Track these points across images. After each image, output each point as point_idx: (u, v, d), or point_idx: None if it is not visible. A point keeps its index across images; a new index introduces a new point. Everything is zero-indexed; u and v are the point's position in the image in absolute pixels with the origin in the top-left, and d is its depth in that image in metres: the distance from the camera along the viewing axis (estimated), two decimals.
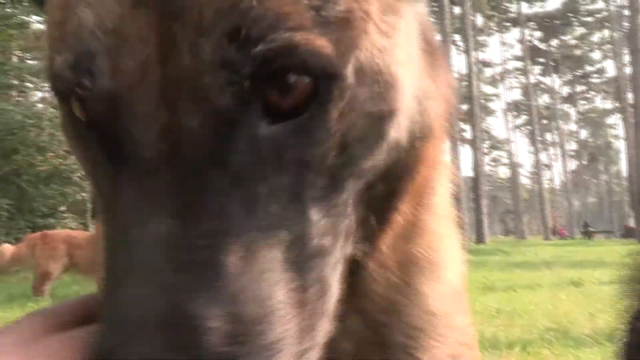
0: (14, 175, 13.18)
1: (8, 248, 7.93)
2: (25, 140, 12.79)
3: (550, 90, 61.25)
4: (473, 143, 28.39)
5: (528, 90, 45.76)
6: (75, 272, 8.00)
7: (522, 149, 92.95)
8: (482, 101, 53.01)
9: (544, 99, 64.67)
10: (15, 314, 5.86)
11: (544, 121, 63.48)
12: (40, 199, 13.06)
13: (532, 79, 53.45)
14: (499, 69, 59.80)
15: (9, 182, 13.18)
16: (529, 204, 68.02)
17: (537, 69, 60.83)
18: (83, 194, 13.96)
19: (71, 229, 13.14)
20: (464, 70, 44.24)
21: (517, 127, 65.76)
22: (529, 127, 57.53)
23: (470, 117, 28.94)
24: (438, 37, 0.76)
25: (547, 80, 62.48)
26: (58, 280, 7.91)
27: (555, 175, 73.12)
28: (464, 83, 41.79)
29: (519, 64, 58.77)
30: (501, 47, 58.41)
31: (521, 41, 51.65)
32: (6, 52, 14.62)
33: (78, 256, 7.69)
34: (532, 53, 53.84)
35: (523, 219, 44.69)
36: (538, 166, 48.60)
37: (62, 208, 14.63)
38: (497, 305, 5.95)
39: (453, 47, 36.81)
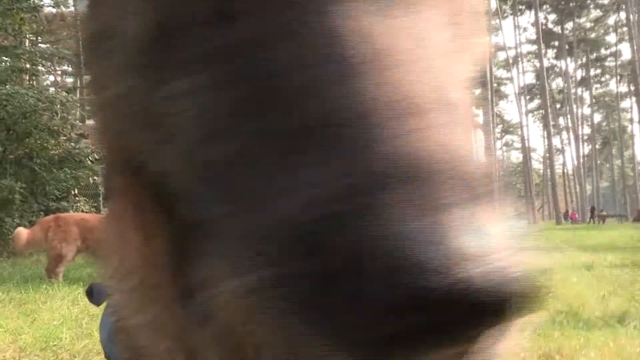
0: (27, 159, 13.27)
1: (23, 231, 8.01)
2: (38, 124, 12.86)
3: (564, 74, 60.68)
4: (485, 127, 28.30)
5: (542, 74, 45.31)
6: (88, 254, 8.09)
7: (534, 133, 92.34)
8: (495, 85, 52.66)
9: (557, 83, 64.15)
10: (30, 295, 5.94)
11: (558, 105, 63.00)
12: (53, 182, 13.17)
13: (546, 63, 53.00)
14: (512, 53, 59.33)
15: (22, 166, 13.29)
16: (540, 188, 67.69)
17: (551, 52, 60.29)
18: (95, 178, 14.06)
19: (84, 212, 13.27)
20: None
21: (530, 111, 65.30)
22: (542, 111, 57.13)
23: (482, 101, 28.81)
24: None
25: (561, 63, 61.94)
26: (71, 262, 8.00)
27: (568, 159, 72.65)
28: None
29: (533, 47, 58.26)
30: (515, 31, 57.84)
31: (535, 24, 51.13)
32: (18, 35, 14.66)
33: (91, 239, 7.76)
34: (546, 36, 53.32)
35: (535, 204, 44.51)
36: (551, 150, 48.30)
37: (75, 191, 14.75)
38: None
39: None
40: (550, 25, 57.95)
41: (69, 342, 3.87)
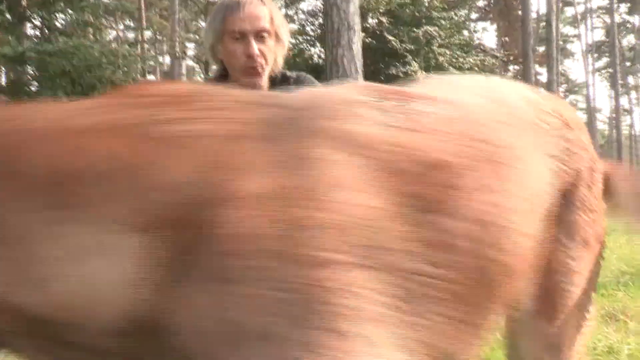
0: None
1: None
2: (101, 78, 13.15)
3: (637, 30, 57.74)
4: (549, 86, 27.29)
5: (612, 30, 43.28)
6: None
7: (600, 93, 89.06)
8: (561, 43, 50.65)
9: (629, 40, 61.13)
10: None
11: (627, 63, 60.22)
12: None
13: (617, 18, 50.50)
14: (581, 8, 56.74)
15: None
16: (605, 150, 65.51)
17: (623, 6, 57.30)
18: None
19: None
20: (543, 10, 42.25)
21: (597, 70, 62.70)
22: (609, 70, 54.75)
23: (547, 60, 27.75)
24: None
25: (634, 19, 58.87)
26: None
27: (636, 120, 69.87)
28: (542, 24, 39.94)
29: (604, 2, 55.59)
30: None
31: None
32: None
33: None
34: None
35: None
36: (617, 111, 46.41)
37: None
38: None
39: None
40: None
41: None
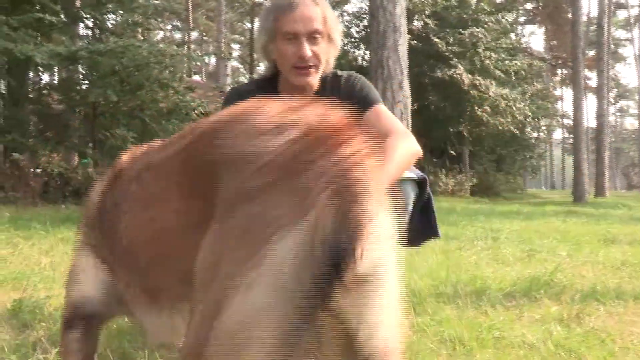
0: (138, 110, 13.89)
1: None
2: (149, 77, 13.36)
3: None
4: (599, 91, 26.64)
5: None
6: None
7: None
8: (612, 46, 49.38)
9: None
10: None
11: None
12: (162, 133, 13.70)
13: None
14: (634, 12, 55.21)
15: (133, 117, 13.93)
16: None
17: None
18: None
19: None
20: (593, 13, 41.25)
21: None
22: None
23: (597, 64, 27.06)
24: None
25: None
26: None
27: None
28: (593, 27, 38.99)
29: None
30: None
31: None
32: None
33: None
34: None
35: None
36: None
37: None
38: (621, 257, 5.63)
39: None
40: None
41: None
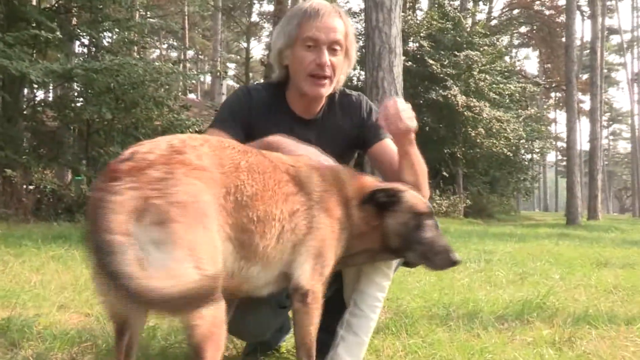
0: (132, 128, 13.87)
1: None
2: (144, 95, 13.35)
3: None
4: (592, 114, 26.83)
5: None
6: None
7: None
8: (605, 70, 49.84)
9: None
10: None
11: None
12: None
13: None
14: (627, 37, 55.81)
15: (128, 135, 13.91)
16: None
17: None
18: None
19: None
20: (587, 37, 41.70)
21: None
22: None
23: (590, 88, 27.27)
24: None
25: None
26: None
27: None
28: (586, 51, 39.38)
29: None
30: (632, 13, 54.37)
31: None
32: (130, 8, 15.26)
33: None
34: None
35: None
36: None
37: None
38: (614, 281, 5.63)
39: (578, 13, 34.71)
40: None
41: None
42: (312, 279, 2.08)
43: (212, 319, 1.65)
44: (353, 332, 2.53)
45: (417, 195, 2.33)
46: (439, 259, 2.22)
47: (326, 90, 2.52)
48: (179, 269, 1.51)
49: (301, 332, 2.14)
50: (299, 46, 2.48)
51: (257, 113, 2.58)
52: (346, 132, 2.63)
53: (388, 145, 2.62)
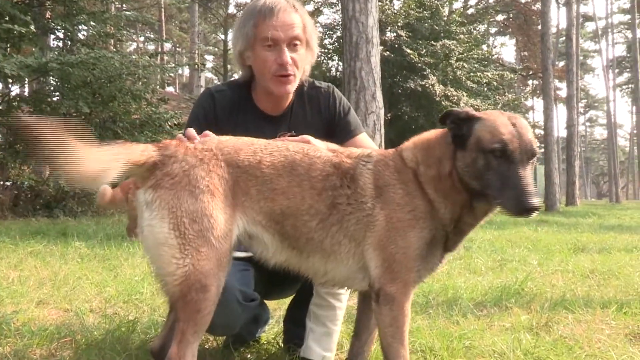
0: (110, 122, 13.74)
1: (107, 189, 8.35)
2: (122, 88, 13.23)
3: None
4: (568, 101, 27.06)
5: (634, 46, 42.89)
6: None
7: (621, 109, 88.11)
8: (581, 58, 50.29)
9: None
10: (113, 252, 6.18)
11: None
12: None
13: (639, 34, 50.00)
14: (602, 24, 56.34)
15: (106, 129, 13.78)
16: (625, 166, 64.73)
17: None
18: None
19: None
20: (563, 25, 42.01)
21: (618, 85, 62.15)
22: (631, 86, 54.19)
23: (566, 75, 27.50)
24: None
25: None
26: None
27: None
28: (562, 38, 39.69)
29: (626, 17, 55.08)
30: (607, 0, 54.84)
31: None
32: (105, 1, 15.06)
33: None
34: None
35: (619, 182, 42.66)
36: (639, 127, 45.95)
37: None
38: (590, 265, 5.72)
39: (553, 0, 34.95)
40: None
41: (150, 297, 3.99)
42: (382, 277, 1.99)
43: (185, 280, 1.88)
44: (321, 323, 2.56)
45: (493, 124, 1.93)
46: (509, 204, 1.86)
47: (292, 87, 2.53)
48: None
49: (380, 333, 2.08)
50: (259, 47, 2.46)
51: (223, 114, 2.58)
52: (316, 126, 2.62)
53: (361, 141, 2.63)
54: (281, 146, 2.12)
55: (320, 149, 2.15)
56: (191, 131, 2.17)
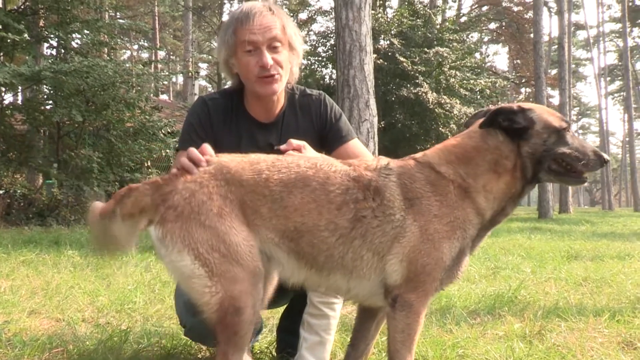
0: (104, 130, 13.72)
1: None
2: (115, 96, 13.21)
3: None
4: (561, 109, 27.20)
5: (625, 54, 43.16)
6: None
7: (613, 117, 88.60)
8: (573, 66, 50.55)
9: None
10: (106, 261, 6.14)
11: None
12: (128, 153, 13.56)
13: (630, 42, 50.35)
14: (593, 32, 56.69)
15: (99, 137, 13.77)
16: (618, 174, 65.00)
17: (637, 30, 57.22)
18: (167, 151, 14.39)
19: None
20: (555, 33, 42.25)
21: (610, 93, 62.47)
22: (622, 94, 54.50)
23: (559, 83, 27.65)
24: None
25: None
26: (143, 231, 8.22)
27: None
28: (554, 47, 39.91)
29: (617, 26, 55.43)
30: (598, 8, 55.25)
31: (621, 1, 48.64)
32: (99, 9, 15.05)
33: None
34: (632, 14, 50.63)
35: (612, 190, 42.79)
36: (631, 135, 46.15)
37: (148, 163, 15.17)
38: (583, 273, 5.73)
39: (545, 9, 35.13)
40: (638, 2, 54.94)
41: (143, 306, 3.98)
42: (403, 285, 2.00)
43: (219, 306, 1.91)
44: (314, 332, 2.57)
45: (544, 110, 2.17)
46: (592, 161, 2.10)
47: (279, 86, 2.53)
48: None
49: (388, 338, 2.07)
50: (240, 52, 2.49)
51: (217, 121, 2.61)
52: (308, 133, 2.63)
53: (353, 147, 2.65)
54: (291, 162, 2.10)
55: (334, 162, 2.14)
56: (193, 152, 2.11)
